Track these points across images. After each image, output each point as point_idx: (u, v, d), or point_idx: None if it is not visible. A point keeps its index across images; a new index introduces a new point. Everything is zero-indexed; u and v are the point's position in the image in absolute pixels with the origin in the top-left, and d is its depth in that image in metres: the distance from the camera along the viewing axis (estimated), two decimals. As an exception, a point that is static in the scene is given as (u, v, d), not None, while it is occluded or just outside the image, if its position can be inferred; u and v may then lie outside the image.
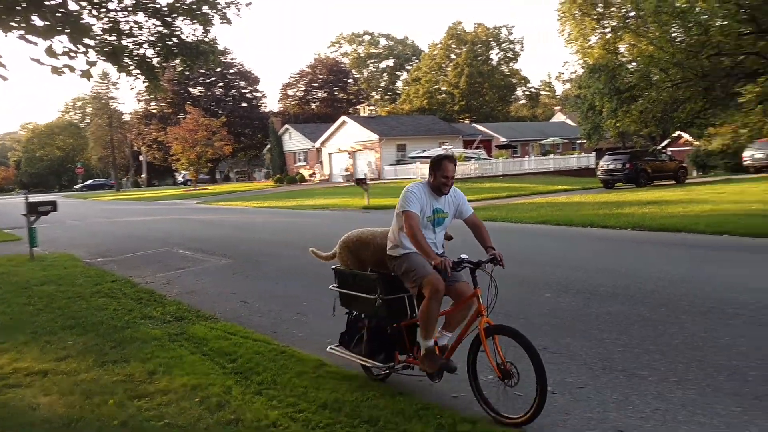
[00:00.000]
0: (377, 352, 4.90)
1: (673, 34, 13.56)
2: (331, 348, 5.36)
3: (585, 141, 52.37)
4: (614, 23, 47.60)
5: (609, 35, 47.68)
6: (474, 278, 4.47)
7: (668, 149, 41.16)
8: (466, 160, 44.30)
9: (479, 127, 62.00)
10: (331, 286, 5.35)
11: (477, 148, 52.40)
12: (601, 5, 48.42)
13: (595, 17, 49.10)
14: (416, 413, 4.43)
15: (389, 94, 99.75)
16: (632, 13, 36.90)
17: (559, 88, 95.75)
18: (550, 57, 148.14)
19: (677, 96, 13.48)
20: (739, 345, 5.56)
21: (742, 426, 4.08)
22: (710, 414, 4.28)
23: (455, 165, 4.69)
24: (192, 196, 45.55)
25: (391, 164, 48.51)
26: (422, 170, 43.74)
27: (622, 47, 42.64)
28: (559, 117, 75.86)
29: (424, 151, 47.16)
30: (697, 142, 40.48)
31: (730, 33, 12.14)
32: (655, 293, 7.67)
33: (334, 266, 5.37)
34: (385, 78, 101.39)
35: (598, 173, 30.97)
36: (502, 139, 59.02)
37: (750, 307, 6.74)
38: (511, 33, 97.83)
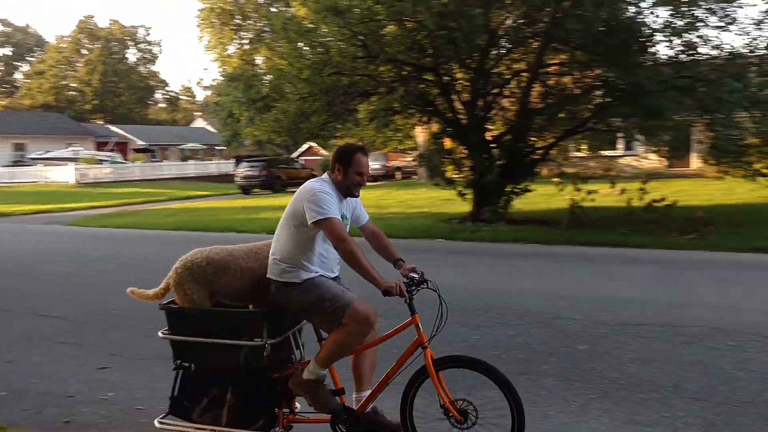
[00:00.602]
0: (253, 417, 3.61)
1: (303, 51, 14.52)
2: (160, 421, 3.76)
3: (225, 148, 53.30)
4: (251, 36, 49.67)
5: (247, 46, 49.53)
6: (411, 302, 3.50)
7: (302, 158, 44.29)
8: (99, 163, 41.41)
9: (114, 128, 58.27)
10: (161, 333, 3.78)
11: (111, 150, 49.30)
12: (239, 17, 49.99)
13: (234, 28, 50.51)
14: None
15: (6, 86, 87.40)
16: (267, 28, 38.84)
17: (200, 94, 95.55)
18: (191, 62, 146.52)
19: (305, 108, 14.46)
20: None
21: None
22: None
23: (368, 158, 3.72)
24: None
25: (6, 166, 42.56)
26: (45, 173, 39.43)
27: (259, 59, 44.60)
28: (199, 123, 75.55)
29: (48, 151, 42.66)
30: (325, 152, 44.30)
31: (347, 55, 13.44)
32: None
33: (165, 303, 3.82)
34: (1, 68, 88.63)
35: (237, 179, 31.95)
36: (140, 143, 56.53)
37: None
38: (149, 34, 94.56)
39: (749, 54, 12.21)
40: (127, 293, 3.94)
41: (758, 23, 12.04)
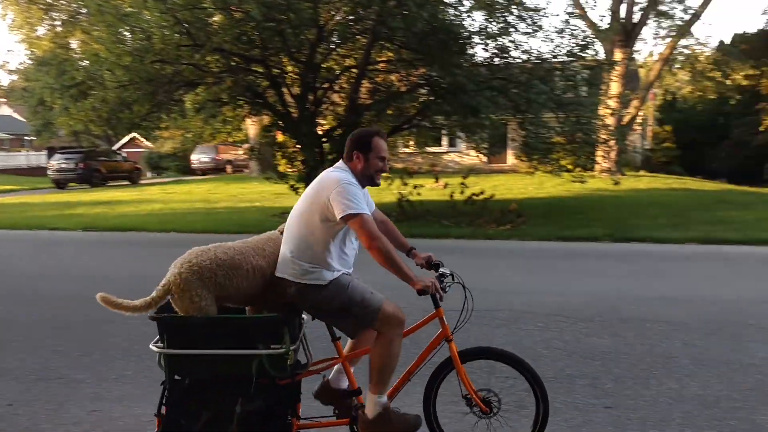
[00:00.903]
0: (266, 426, 3.22)
1: (123, 36, 13.62)
2: None
3: (35, 138, 48.82)
4: (64, 17, 45.72)
5: (59, 28, 45.50)
6: (435, 295, 3.35)
7: (124, 150, 41.72)
8: None
9: None
10: (154, 347, 3.20)
11: None
12: (49, -5, 45.84)
13: (43, 7, 46.12)
14: None
15: None
16: (84, 10, 35.97)
17: (5, 79, 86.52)
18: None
19: (125, 97, 13.61)
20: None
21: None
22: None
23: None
24: None
25: None
26: None
27: (74, 43, 41.20)
28: (5, 110, 68.59)
29: None
30: (149, 144, 42.12)
31: (170, 43, 12.82)
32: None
33: (156, 314, 3.21)
34: None
35: (50, 172, 29.58)
36: (-69, 131, 50.24)
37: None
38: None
39: (553, 59, 13.39)
40: (98, 301, 3.19)
41: (560, 32, 13.24)
